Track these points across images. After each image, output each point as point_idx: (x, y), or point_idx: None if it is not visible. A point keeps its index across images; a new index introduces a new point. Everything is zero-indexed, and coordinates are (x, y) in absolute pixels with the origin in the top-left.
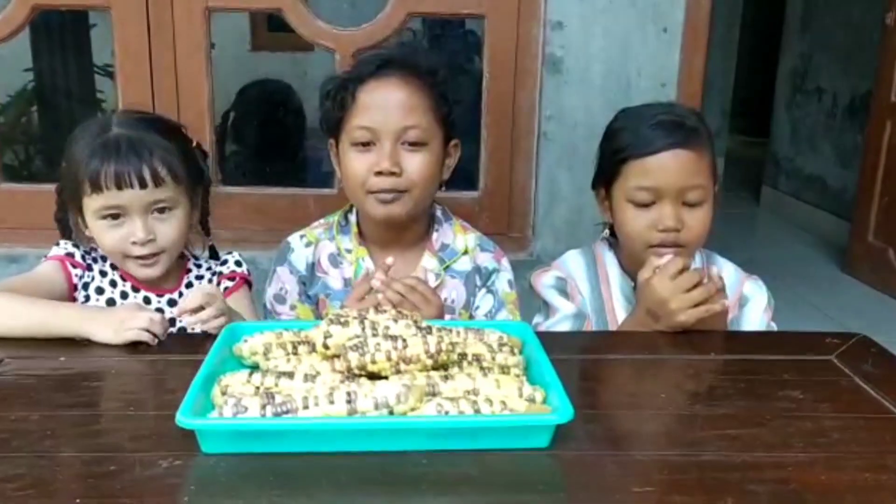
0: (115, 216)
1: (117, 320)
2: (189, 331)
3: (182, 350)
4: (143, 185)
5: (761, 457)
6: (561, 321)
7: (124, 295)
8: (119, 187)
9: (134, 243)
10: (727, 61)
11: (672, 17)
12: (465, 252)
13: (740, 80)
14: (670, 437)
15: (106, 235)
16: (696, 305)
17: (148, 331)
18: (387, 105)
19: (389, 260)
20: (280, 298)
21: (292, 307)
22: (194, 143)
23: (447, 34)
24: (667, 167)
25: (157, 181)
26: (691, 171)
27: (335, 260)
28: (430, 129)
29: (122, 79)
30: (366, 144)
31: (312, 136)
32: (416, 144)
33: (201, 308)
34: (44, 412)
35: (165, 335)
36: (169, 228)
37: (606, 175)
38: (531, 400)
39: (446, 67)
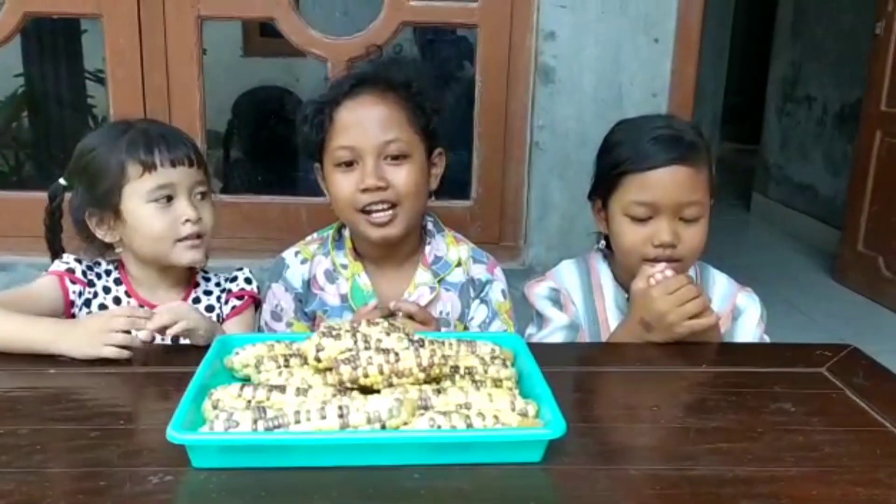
0: (166, 198)
1: (92, 333)
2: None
3: (173, 363)
4: (191, 164)
5: (753, 471)
6: (554, 332)
7: None
8: (173, 164)
9: (186, 221)
10: (718, 69)
11: (663, 26)
12: (459, 264)
13: (731, 87)
14: (663, 451)
15: (156, 219)
16: (692, 318)
17: (127, 347)
18: (364, 122)
19: (392, 304)
20: (276, 316)
21: (289, 324)
22: None
23: (439, 40)
24: (665, 183)
25: (199, 163)
26: (689, 188)
27: (331, 276)
28: (411, 140)
29: (113, 85)
30: (349, 164)
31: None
32: (398, 157)
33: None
34: (33, 426)
35: (147, 339)
36: (208, 213)
37: (603, 187)
38: (524, 414)
39: (422, 77)
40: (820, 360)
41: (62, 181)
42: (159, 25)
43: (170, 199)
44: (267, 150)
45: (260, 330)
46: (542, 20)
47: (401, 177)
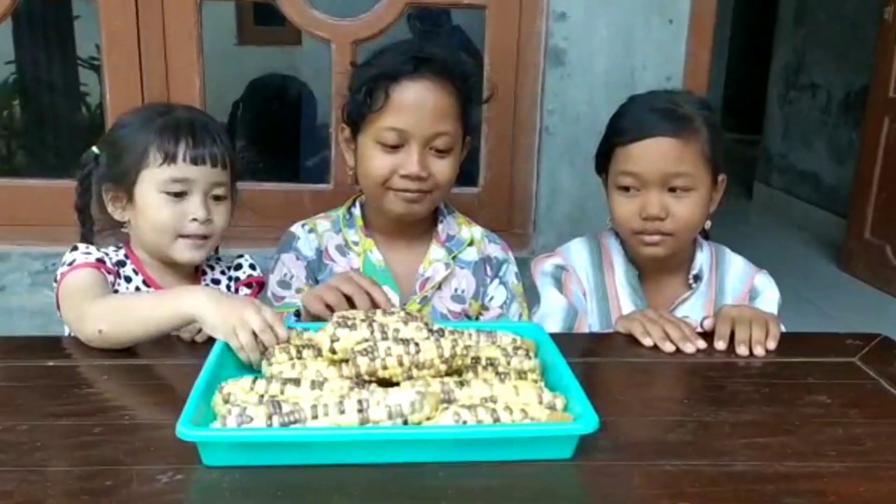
0: (178, 193)
1: (234, 317)
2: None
3: (181, 354)
4: (213, 164)
5: (795, 467)
6: (547, 317)
7: None
8: (194, 161)
9: (193, 220)
10: (718, 60)
11: (677, 8)
12: (471, 243)
13: (731, 77)
14: (698, 446)
15: (164, 210)
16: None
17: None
18: (420, 108)
19: None
20: (285, 284)
21: (298, 290)
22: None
23: (434, 32)
24: (648, 154)
25: (224, 164)
26: (675, 159)
27: (342, 250)
28: (457, 134)
29: (110, 71)
30: (394, 146)
31: (309, 129)
32: (443, 150)
33: None
34: (33, 422)
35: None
36: (220, 216)
37: (602, 161)
38: (552, 407)
39: (477, 72)
40: (851, 349)
41: (94, 149)
42: (157, 7)
43: (184, 193)
44: (270, 138)
45: (266, 303)
46: (553, 0)
47: (441, 169)
